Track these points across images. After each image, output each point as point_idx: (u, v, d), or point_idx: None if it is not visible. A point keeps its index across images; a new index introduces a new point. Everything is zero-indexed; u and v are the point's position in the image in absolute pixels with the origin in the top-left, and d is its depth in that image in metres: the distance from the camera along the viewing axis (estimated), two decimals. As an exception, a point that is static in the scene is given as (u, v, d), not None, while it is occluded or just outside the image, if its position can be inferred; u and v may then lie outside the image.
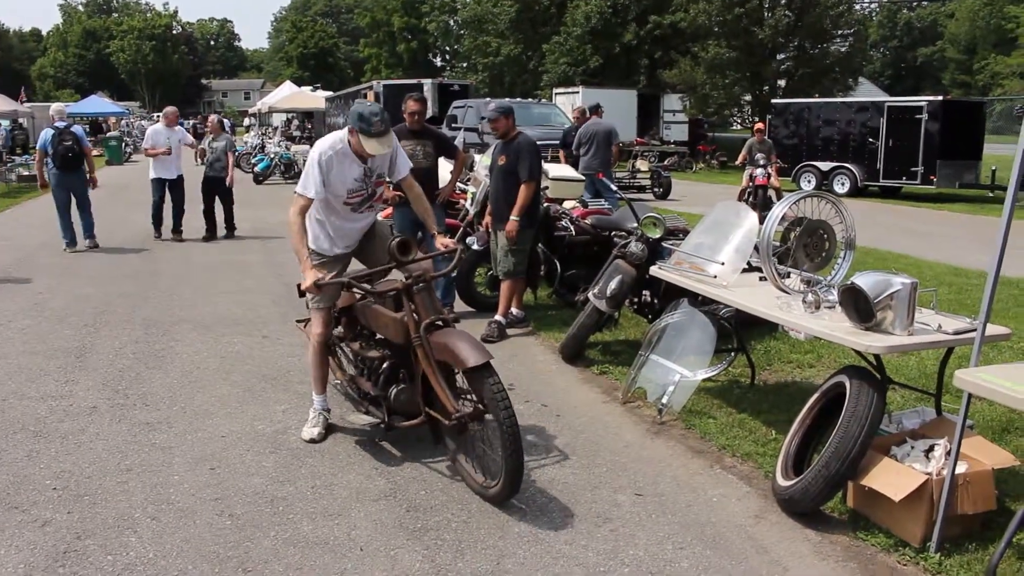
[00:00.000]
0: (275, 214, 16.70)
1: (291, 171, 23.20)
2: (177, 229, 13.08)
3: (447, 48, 63.29)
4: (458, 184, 8.86)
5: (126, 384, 6.04)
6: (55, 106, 12.52)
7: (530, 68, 42.97)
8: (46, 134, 11.59)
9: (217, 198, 13.35)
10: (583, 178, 11.57)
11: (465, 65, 56.11)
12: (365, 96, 23.52)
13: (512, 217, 7.15)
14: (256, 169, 24.04)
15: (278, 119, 43.69)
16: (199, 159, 13.45)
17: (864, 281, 3.91)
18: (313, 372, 5.06)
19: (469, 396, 4.31)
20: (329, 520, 3.98)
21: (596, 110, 13.92)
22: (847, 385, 3.96)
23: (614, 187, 9.65)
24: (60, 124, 11.67)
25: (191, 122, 45.65)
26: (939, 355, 4.48)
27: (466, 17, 49.07)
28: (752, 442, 4.90)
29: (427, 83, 23.14)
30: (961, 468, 3.65)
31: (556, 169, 10.90)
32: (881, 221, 15.04)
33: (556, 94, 32.91)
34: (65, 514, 4.04)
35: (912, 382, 5.51)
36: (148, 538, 3.81)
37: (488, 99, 21.65)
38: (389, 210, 9.56)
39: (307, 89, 44.90)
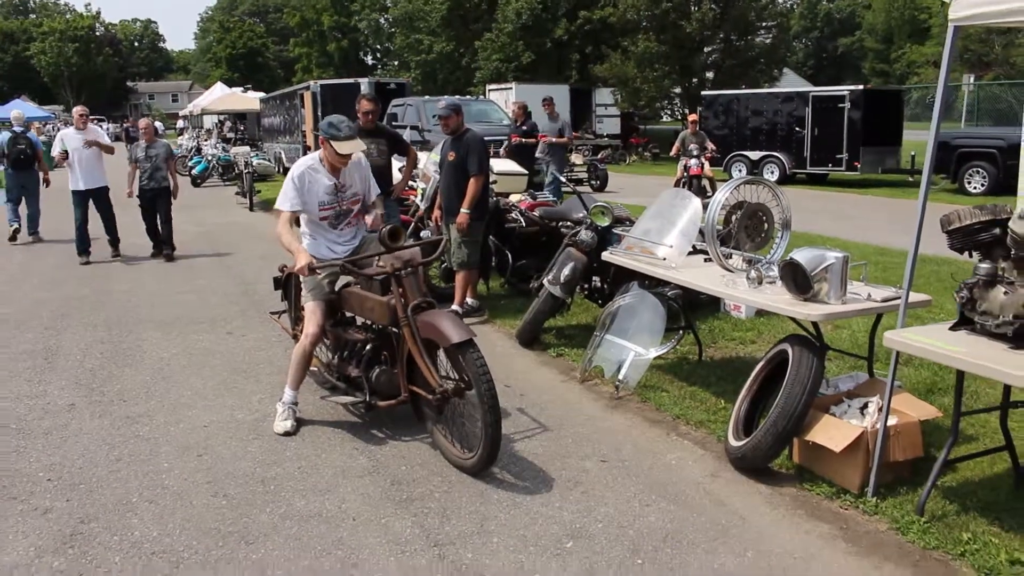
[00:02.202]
0: (217, 215, 16.80)
1: (230, 173, 23.08)
2: (113, 243, 11.68)
3: (378, 46, 63.16)
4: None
5: (100, 382, 6.20)
6: (14, 112, 13.63)
7: (463, 65, 43.23)
8: (3, 137, 13.03)
9: (157, 212, 11.60)
10: (526, 172, 11.95)
11: (397, 63, 56.16)
12: (302, 96, 23.49)
13: (463, 210, 7.46)
14: (194, 172, 23.90)
15: (209, 121, 43.18)
16: (133, 167, 11.41)
17: (801, 256, 4.33)
18: (294, 369, 5.24)
19: (451, 375, 4.61)
20: (319, 496, 4.26)
21: (550, 103, 14.60)
22: (789, 352, 4.38)
23: (562, 179, 10.04)
24: (17, 129, 13.03)
25: (124, 126, 44.89)
26: (869, 323, 4.93)
27: (397, 15, 49.11)
28: (703, 411, 5.30)
29: (364, 82, 23.19)
30: (892, 421, 4.10)
31: (500, 164, 11.23)
32: (810, 206, 15.67)
33: (489, 90, 33.16)
34: (64, 502, 4.25)
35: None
36: (149, 519, 4.04)
37: (427, 97, 21.87)
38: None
39: (238, 90, 44.41)
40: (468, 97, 28.94)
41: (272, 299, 8.27)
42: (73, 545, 3.81)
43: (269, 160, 25.02)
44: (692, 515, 3.99)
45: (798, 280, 4.32)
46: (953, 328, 3.78)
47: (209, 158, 24.45)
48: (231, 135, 33.49)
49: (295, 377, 5.25)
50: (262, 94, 38.49)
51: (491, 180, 8.57)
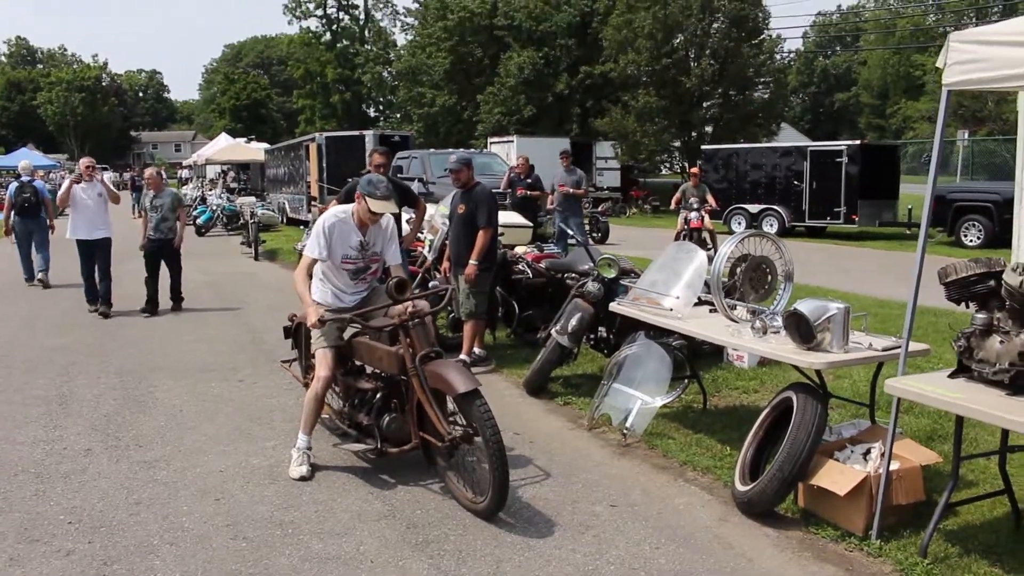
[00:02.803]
0: (223, 265, 16.99)
1: (234, 223, 23.33)
2: (106, 301, 11.09)
3: (381, 99, 64.02)
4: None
5: (115, 428, 6.31)
6: (22, 163, 14.18)
7: (464, 118, 43.87)
8: (11, 187, 13.65)
9: (164, 264, 11.33)
10: (531, 224, 12.17)
11: (399, 115, 56.88)
12: (307, 148, 23.86)
13: (471, 261, 7.63)
14: (198, 221, 24.17)
15: (212, 171, 43.70)
16: (137, 214, 11.82)
17: (805, 307, 4.49)
18: (307, 413, 5.36)
19: (459, 421, 4.75)
20: (337, 539, 4.36)
21: (567, 156, 14.98)
22: (794, 399, 4.52)
23: (570, 231, 10.26)
24: (25, 178, 13.48)
25: (128, 175, 45.33)
26: (870, 373, 5.07)
27: (400, 69, 49.98)
28: (710, 457, 5.42)
29: (368, 134, 23.57)
30: (894, 466, 4.23)
31: (505, 216, 11.45)
32: (809, 259, 15.88)
33: (491, 143, 33.64)
34: (86, 544, 4.35)
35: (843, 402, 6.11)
36: (171, 561, 4.14)
37: (432, 150, 22.23)
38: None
39: (242, 141, 45.00)
40: (472, 150, 29.34)
41: (281, 348, 8.45)
42: (98, 585, 3.91)
43: (273, 211, 25.33)
44: (701, 557, 4.10)
45: (802, 330, 4.47)
46: (952, 376, 3.93)
47: (214, 208, 24.76)
48: (234, 185, 33.94)
49: (308, 422, 5.37)
50: (266, 145, 39.05)
51: (499, 232, 8.78)
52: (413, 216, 8.88)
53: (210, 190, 29.49)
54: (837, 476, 4.26)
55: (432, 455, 5.00)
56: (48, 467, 5.49)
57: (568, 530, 4.43)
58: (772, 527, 4.43)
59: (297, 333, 6.43)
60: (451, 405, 4.86)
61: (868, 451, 4.44)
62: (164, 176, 14.22)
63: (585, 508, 4.72)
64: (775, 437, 4.75)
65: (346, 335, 5.50)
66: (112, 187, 11.58)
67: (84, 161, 11.47)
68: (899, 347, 4.36)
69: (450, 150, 23.30)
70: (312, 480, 5.17)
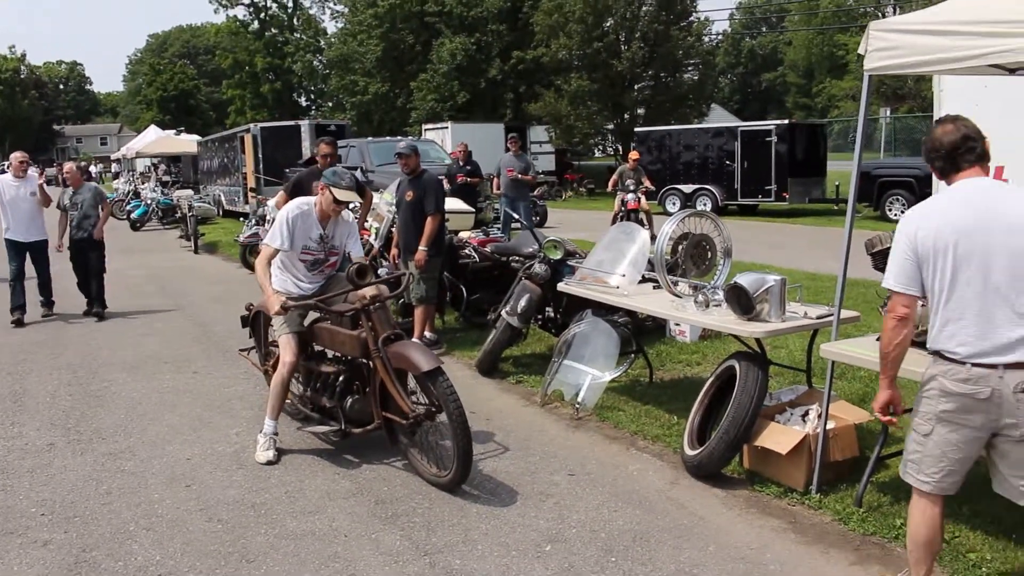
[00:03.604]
0: (163, 259, 16.86)
1: (170, 216, 23.04)
2: (48, 302, 10.76)
3: (312, 88, 63.32)
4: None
5: (74, 422, 6.37)
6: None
7: (398, 105, 43.65)
8: None
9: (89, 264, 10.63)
10: (473, 210, 12.38)
11: (331, 104, 56.36)
12: (242, 139, 23.66)
13: (420, 247, 7.81)
14: (132, 216, 23.83)
15: (142, 164, 42.85)
16: (63, 216, 10.62)
17: (744, 280, 4.79)
18: (273, 398, 5.51)
19: (420, 400, 4.97)
20: (309, 516, 4.55)
21: (515, 141, 15.13)
22: (737, 367, 4.83)
23: (516, 216, 10.51)
24: None
25: (51, 171, 44.21)
26: (805, 341, 5.41)
27: (332, 57, 49.45)
28: (659, 427, 5.73)
29: (304, 124, 23.43)
30: (830, 425, 4.56)
31: (449, 203, 11.62)
32: (742, 236, 16.28)
33: (425, 130, 33.64)
34: (62, 533, 4.46)
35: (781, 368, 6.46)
36: (149, 545, 4.28)
37: (370, 139, 22.19)
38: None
39: (172, 133, 44.17)
40: (410, 138, 29.35)
41: (232, 339, 8.59)
42: (79, 572, 4.04)
43: (210, 203, 25.08)
44: (657, 518, 4.39)
45: (742, 302, 4.77)
46: (933, 354, 4.24)
47: (148, 202, 24.39)
48: (167, 178, 33.40)
49: (275, 407, 5.52)
50: (197, 137, 38.43)
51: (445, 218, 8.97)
52: (359, 205, 9.02)
53: (142, 184, 29.01)
54: (779, 437, 4.58)
55: (395, 434, 5.17)
56: (11, 463, 5.55)
57: (530, 499, 4.68)
58: (720, 487, 4.74)
59: (255, 322, 6.51)
60: (411, 384, 5.06)
61: (806, 413, 4.77)
62: (96, 170, 13.34)
63: (544, 478, 4.98)
64: (720, 404, 5.05)
65: (306, 321, 5.65)
66: (45, 188, 10.74)
67: (16, 156, 10.65)
68: (832, 315, 4.69)
69: (388, 138, 23.33)
70: (279, 464, 5.33)
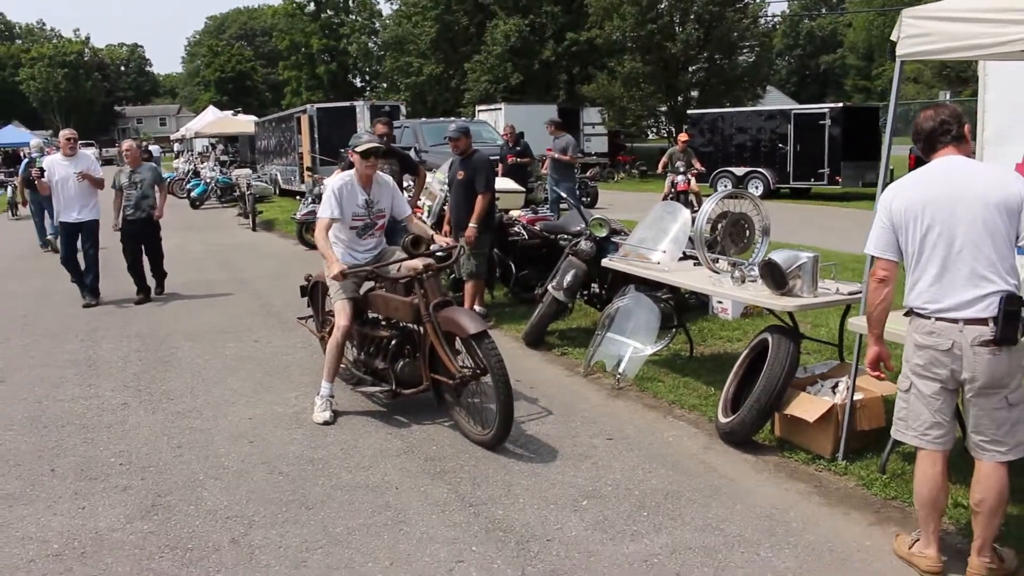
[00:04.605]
0: (222, 236, 17.41)
1: (228, 195, 23.64)
2: (93, 289, 10.27)
3: (367, 69, 63.99)
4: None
5: (145, 384, 6.81)
6: (33, 141, 15.50)
7: (452, 86, 44.04)
8: (23, 164, 14.82)
9: (144, 247, 10.39)
10: (523, 189, 12.65)
11: (386, 85, 56.89)
12: (298, 119, 24.17)
13: (471, 224, 8.10)
14: (192, 194, 24.49)
15: (200, 144, 43.84)
16: (118, 196, 10.29)
17: (778, 256, 5.01)
18: (329, 361, 5.86)
19: (467, 363, 5.31)
20: (363, 471, 4.89)
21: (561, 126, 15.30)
22: (770, 339, 5.04)
23: (563, 194, 10.77)
24: (34, 155, 14.64)
25: (112, 150, 45.32)
26: (839, 314, 5.60)
27: (387, 38, 50.05)
28: (696, 397, 5.97)
29: (359, 104, 23.88)
30: (858, 396, 4.77)
31: (500, 183, 11.90)
32: (792, 219, 16.41)
33: (479, 111, 33.90)
34: (139, 480, 4.86)
35: (819, 344, 6.64)
36: (218, 492, 4.66)
37: (424, 120, 22.60)
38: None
39: (229, 113, 45.07)
40: (463, 119, 29.67)
41: (289, 311, 9.04)
42: (156, 513, 4.43)
43: (266, 182, 25.67)
44: (688, 479, 4.65)
45: (776, 277, 4.99)
46: (906, 315, 4.44)
47: (208, 180, 25.04)
48: (224, 158, 34.17)
49: (331, 370, 5.87)
50: (253, 117, 39.18)
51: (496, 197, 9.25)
52: (413, 183, 9.35)
53: (201, 163, 29.75)
54: (808, 406, 4.80)
55: (442, 394, 5.53)
56: (90, 419, 5.98)
57: (569, 459, 4.97)
58: (751, 453, 4.98)
59: (313, 292, 6.93)
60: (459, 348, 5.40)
61: (836, 384, 4.98)
62: (158, 150, 14.00)
63: (584, 441, 5.26)
64: (754, 375, 5.26)
65: (362, 290, 6.00)
66: (97, 167, 10.56)
67: (64, 133, 10.41)
68: (861, 291, 4.87)
69: (441, 119, 23.71)
70: (335, 424, 5.68)
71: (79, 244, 10.21)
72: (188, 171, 28.93)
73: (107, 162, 55.98)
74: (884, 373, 3.83)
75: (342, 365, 6.19)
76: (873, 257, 3.69)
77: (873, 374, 3.83)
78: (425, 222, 9.85)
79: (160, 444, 5.44)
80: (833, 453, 4.75)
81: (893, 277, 3.62)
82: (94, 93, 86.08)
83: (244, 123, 37.41)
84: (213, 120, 41.08)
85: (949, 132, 3.55)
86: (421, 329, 5.45)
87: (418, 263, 5.48)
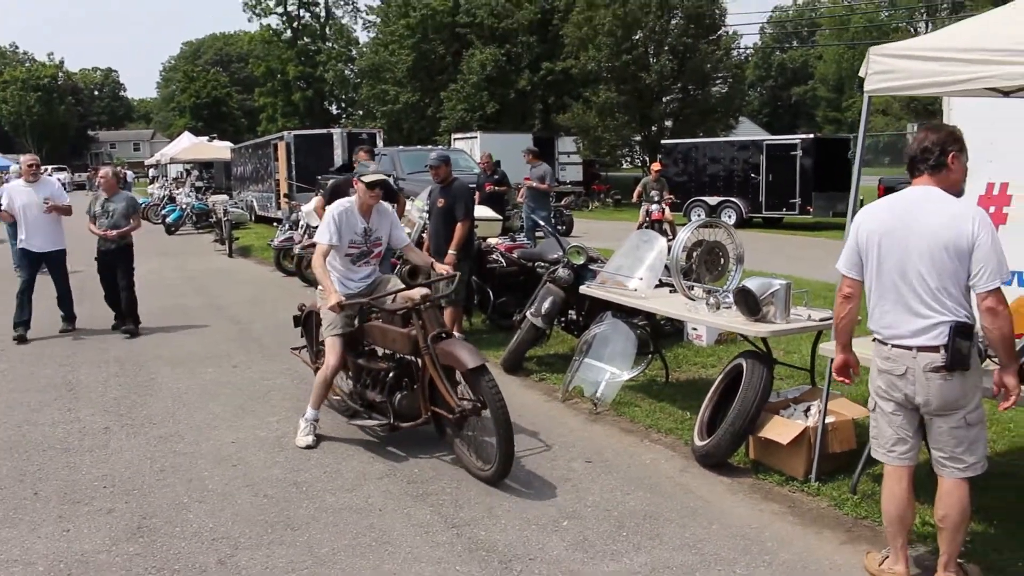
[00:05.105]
0: (198, 262, 17.41)
1: (204, 221, 23.62)
2: (69, 317, 10.06)
3: (343, 96, 64.19)
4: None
5: (126, 409, 6.84)
6: (13, 167, 14.77)
7: (428, 114, 44.34)
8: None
9: (117, 275, 9.88)
10: (501, 217, 12.81)
11: (362, 112, 57.11)
12: (275, 146, 24.26)
13: (450, 251, 8.21)
14: (167, 220, 24.45)
15: (174, 170, 43.77)
16: (91, 224, 9.83)
17: (752, 284, 5.17)
18: (316, 391, 5.87)
19: (467, 395, 5.23)
20: (347, 493, 4.96)
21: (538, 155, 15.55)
22: (744, 365, 5.19)
23: (540, 222, 10.92)
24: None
25: (69, 175, 44.94)
26: (811, 340, 5.76)
27: (363, 66, 50.33)
28: (672, 421, 6.10)
29: (336, 132, 24.02)
30: (829, 419, 4.92)
31: (477, 210, 12.04)
32: (764, 248, 16.65)
33: (455, 139, 34.13)
34: (123, 503, 4.91)
35: (792, 370, 6.79)
36: (203, 515, 4.71)
37: (401, 147, 22.75)
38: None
39: (205, 139, 45.07)
40: (441, 147, 29.89)
41: (268, 337, 9.12)
42: (142, 535, 4.48)
43: (242, 208, 25.67)
44: (666, 500, 4.77)
45: (749, 303, 5.15)
46: (873, 341, 4.60)
47: (183, 206, 25.02)
48: (199, 184, 34.16)
49: (317, 399, 5.90)
50: (229, 143, 39.19)
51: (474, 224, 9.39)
52: (393, 210, 9.45)
53: (177, 189, 29.72)
54: (781, 429, 4.94)
55: (443, 427, 5.49)
56: (72, 444, 6.01)
57: (549, 481, 5.07)
58: (726, 475, 5.10)
59: (307, 321, 6.79)
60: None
61: (808, 408, 5.13)
62: (132, 175, 12.56)
63: (563, 464, 5.37)
64: (728, 400, 5.39)
65: (357, 321, 5.88)
66: (63, 194, 10.11)
67: (25, 159, 10.10)
68: (832, 317, 5.03)
69: (418, 147, 23.85)
70: (317, 448, 5.75)
71: (44, 273, 9.84)
72: (163, 197, 28.89)
73: (79, 187, 55.80)
74: (849, 380, 4.05)
75: (336, 397, 6.26)
76: (841, 273, 3.89)
77: (839, 379, 4.06)
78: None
79: (143, 467, 5.48)
80: (806, 475, 4.89)
81: (857, 294, 3.82)
82: (67, 117, 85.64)
83: (220, 149, 37.43)
84: (188, 146, 41.09)
85: (927, 160, 3.63)
86: (419, 360, 5.38)
87: (416, 293, 5.45)
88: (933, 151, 3.63)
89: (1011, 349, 3.48)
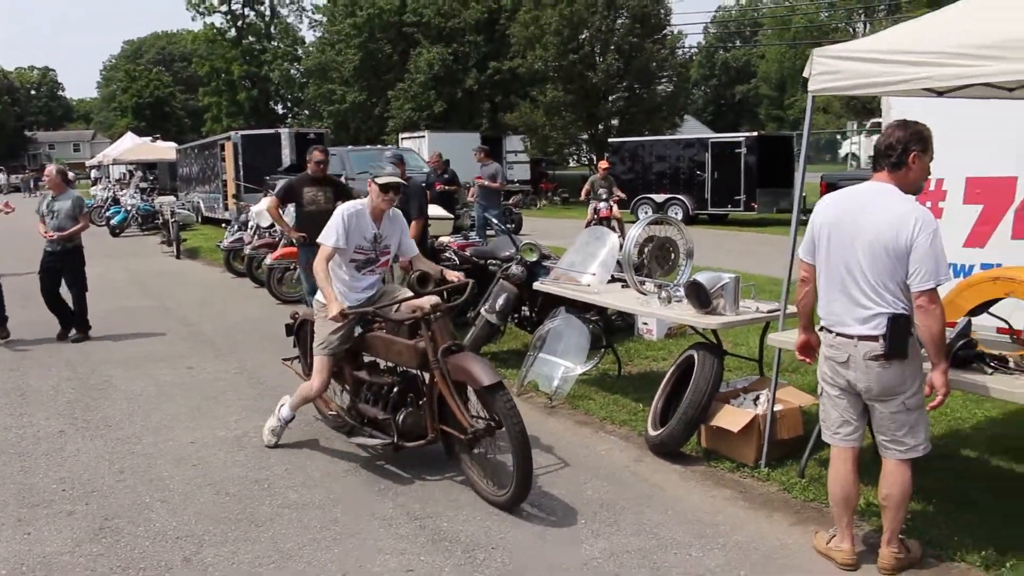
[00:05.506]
0: (144, 264, 17.21)
1: (150, 222, 23.32)
2: (1, 324, 9.64)
3: (289, 96, 63.58)
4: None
5: (80, 412, 6.79)
6: None
7: (375, 114, 44.16)
8: None
9: (64, 281, 9.53)
10: (452, 216, 12.91)
11: (308, 112, 56.69)
12: (222, 146, 24.02)
13: (405, 250, 8.27)
14: (112, 222, 24.09)
15: (116, 171, 43.05)
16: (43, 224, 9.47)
17: (702, 278, 5.35)
18: (298, 399, 5.61)
19: (479, 413, 4.85)
20: (309, 490, 5.02)
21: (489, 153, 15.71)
22: (695, 356, 5.36)
23: (494, 220, 11.04)
24: None
25: (29, 175, 44.03)
26: (759, 332, 5.96)
27: (309, 65, 49.92)
28: (626, 413, 6.26)
29: (284, 132, 23.86)
30: (778, 407, 5.10)
31: (429, 209, 12.13)
32: (711, 243, 16.95)
33: (402, 139, 34.12)
34: (84, 505, 4.91)
35: (741, 361, 6.99)
36: (166, 514, 4.74)
37: (350, 147, 22.70)
38: (286, 250, 10.60)
39: (148, 140, 44.38)
40: (390, 147, 29.84)
41: (220, 338, 9.07)
42: (104, 536, 4.49)
43: (188, 210, 25.38)
44: (622, 489, 4.92)
45: (700, 297, 5.32)
46: (820, 329, 4.80)
47: (128, 208, 24.67)
48: (144, 184, 33.68)
49: (298, 404, 5.64)
50: (173, 144, 38.68)
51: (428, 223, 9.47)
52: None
53: (121, 190, 29.26)
54: (731, 417, 5.12)
55: (451, 446, 5.08)
56: (26, 448, 5.96)
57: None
58: (680, 464, 5.27)
59: (300, 331, 6.31)
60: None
61: (757, 397, 5.31)
62: (72, 176, 11.58)
63: (522, 457, 5.47)
64: (680, 391, 5.55)
65: (356, 334, 5.50)
66: None
67: None
68: (779, 309, 5.23)
69: (367, 147, 23.81)
70: (277, 447, 5.77)
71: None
72: (107, 198, 28.43)
73: (15, 189, 54.50)
74: (810, 360, 4.22)
75: (331, 412, 5.92)
76: (799, 258, 4.09)
77: (801, 358, 4.26)
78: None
79: (102, 469, 5.47)
80: (756, 461, 5.07)
81: (812, 278, 4.02)
82: (3, 117, 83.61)
83: (164, 150, 36.95)
84: (132, 146, 40.44)
85: (889, 157, 3.77)
86: (426, 375, 5.03)
87: (425, 302, 4.99)
88: (896, 148, 3.75)
89: (940, 348, 3.64)
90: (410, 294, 5.33)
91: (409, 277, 5.37)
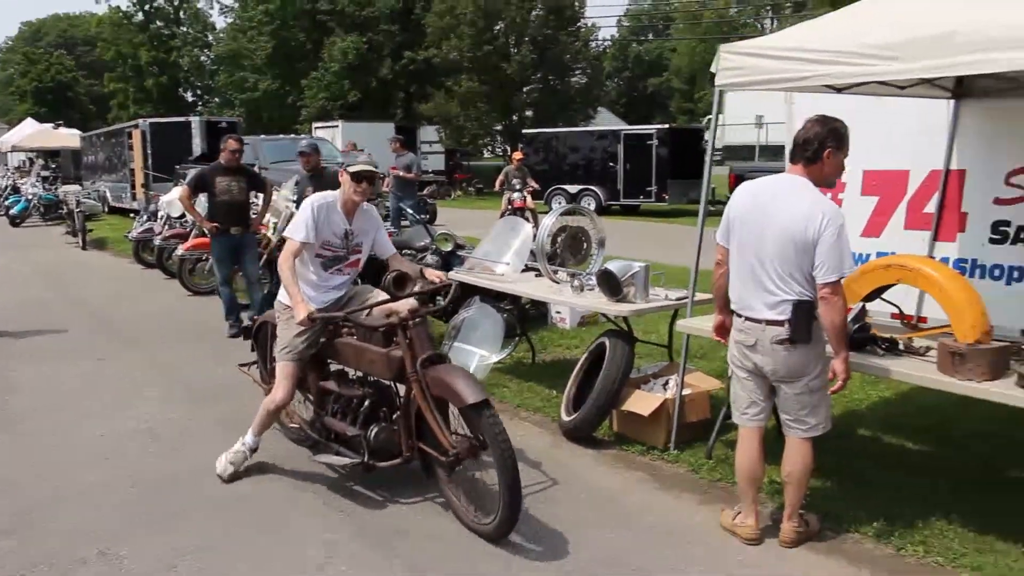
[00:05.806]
0: (48, 255, 16.73)
1: (53, 212, 22.58)
2: None
3: (199, 83, 62.06)
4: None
5: (-15, 408, 6.63)
6: None
7: (288, 103, 43.52)
8: None
9: None
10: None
11: (219, 100, 55.51)
12: (130, 134, 23.40)
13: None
14: (12, 211, 23.26)
15: (15, 159, 41.48)
16: None
17: (613, 266, 5.53)
18: (260, 419, 5.07)
19: (461, 431, 4.40)
20: (232, 485, 4.98)
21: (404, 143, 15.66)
22: (607, 343, 5.54)
23: (409, 210, 11.08)
24: None
25: None
26: (668, 319, 6.17)
27: (220, 52, 48.93)
28: (540, 400, 6.42)
29: (194, 120, 23.42)
30: (686, 391, 5.32)
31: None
32: (623, 234, 17.26)
33: (315, 128, 33.74)
34: (-7, 501, 4.82)
35: (651, 348, 7.22)
36: (80, 508, 4.69)
37: (263, 136, 22.36)
38: (197, 240, 10.45)
39: (50, 126, 42.85)
40: (304, 136, 29.46)
41: (130, 329, 8.90)
42: (16, 531, 4.42)
43: (94, 199, 24.63)
44: (538, 473, 5.06)
45: (611, 285, 5.49)
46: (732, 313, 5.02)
47: (29, 197, 23.83)
48: (46, 173, 32.55)
49: (260, 425, 5.08)
50: (77, 131, 37.46)
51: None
52: (260, 200, 9.42)
53: (21, 179, 28.22)
54: (642, 402, 5.31)
55: (430, 466, 4.58)
56: (-71, 444, 5.80)
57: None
58: (593, 448, 5.45)
59: (259, 334, 5.81)
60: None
61: (667, 382, 5.52)
62: None
63: (439, 444, 5.56)
64: (592, 377, 5.72)
65: (323, 339, 4.99)
66: None
67: None
68: (687, 297, 5.45)
69: (280, 136, 23.49)
70: (192, 439, 5.74)
71: None
72: (6, 187, 27.41)
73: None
74: (725, 340, 4.35)
75: (293, 425, 5.45)
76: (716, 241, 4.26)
77: (717, 338, 4.46)
78: (271, 239, 10.00)
79: (14, 463, 5.37)
80: (665, 444, 5.28)
81: (726, 261, 4.18)
82: None
83: (67, 137, 35.75)
84: (32, 133, 38.92)
85: (805, 152, 3.93)
86: (397, 387, 4.67)
87: (402, 306, 4.60)
88: (812, 143, 3.91)
89: (841, 337, 3.87)
90: (385, 296, 4.92)
91: (386, 278, 5.01)
